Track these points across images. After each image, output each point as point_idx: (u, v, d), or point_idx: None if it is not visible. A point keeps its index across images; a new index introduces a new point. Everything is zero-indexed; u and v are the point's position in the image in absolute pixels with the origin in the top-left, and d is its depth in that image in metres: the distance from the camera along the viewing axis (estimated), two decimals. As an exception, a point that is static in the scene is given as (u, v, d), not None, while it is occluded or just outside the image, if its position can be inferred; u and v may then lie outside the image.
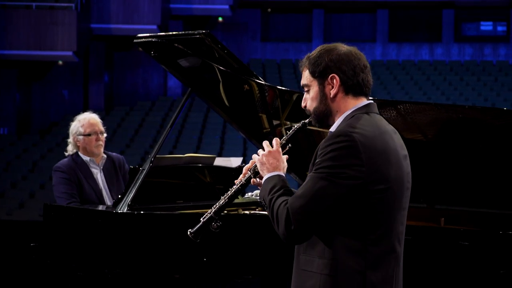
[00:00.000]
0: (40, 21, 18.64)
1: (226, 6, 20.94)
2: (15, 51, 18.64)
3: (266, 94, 4.46)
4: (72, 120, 5.08)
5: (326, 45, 2.71)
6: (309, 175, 2.54)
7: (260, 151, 2.74)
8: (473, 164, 4.07)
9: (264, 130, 4.70)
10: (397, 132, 2.69)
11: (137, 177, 4.20)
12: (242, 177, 2.82)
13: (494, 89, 19.79)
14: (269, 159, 2.70)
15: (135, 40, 4.31)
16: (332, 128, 2.65)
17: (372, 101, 2.67)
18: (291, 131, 2.84)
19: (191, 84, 4.49)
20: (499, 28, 23.75)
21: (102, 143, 4.95)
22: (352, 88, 2.64)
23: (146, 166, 4.22)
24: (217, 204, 2.82)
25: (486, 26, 23.83)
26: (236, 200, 4.76)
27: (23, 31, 18.58)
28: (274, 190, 2.60)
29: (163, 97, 21.44)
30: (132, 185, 4.18)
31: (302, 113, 4.41)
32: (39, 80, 21.20)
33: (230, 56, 4.19)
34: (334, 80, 2.63)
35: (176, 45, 4.19)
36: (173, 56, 4.36)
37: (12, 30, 18.55)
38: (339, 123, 2.63)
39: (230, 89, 4.56)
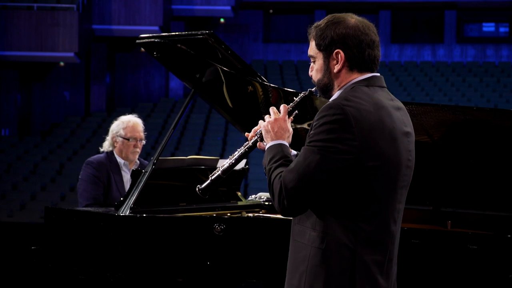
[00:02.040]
0: (41, 22, 18.63)
1: (228, 7, 20.92)
2: (16, 52, 18.62)
3: (270, 95, 4.41)
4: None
5: (334, 16, 2.67)
6: (303, 147, 2.51)
7: (266, 117, 2.71)
8: (480, 166, 4.02)
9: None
10: (402, 108, 2.63)
11: (139, 179, 4.15)
12: (249, 140, 2.81)
13: (496, 90, 19.76)
14: (274, 126, 2.66)
15: (137, 41, 4.26)
16: (331, 100, 2.60)
17: (377, 74, 2.61)
18: (298, 98, 2.82)
19: (194, 85, 4.45)
20: (502, 29, 23.72)
21: (139, 150, 4.91)
22: (357, 64, 2.59)
23: (149, 168, 4.18)
24: (225, 163, 2.83)
25: (488, 27, 23.80)
26: (240, 203, 4.74)
27: (24, 32, 18.57)
28: (274, 160, 2.58)
29: (164, 98, 21.41)
30: (135, 187, 4.13)
31: (307, 115, 4.39)
32: (40, 81, 21.17)
33: (233, 56, 4.15)
34: (339, 56, 2.58)
35: (179, 45, 4.14)
36: (175, 57, 4.32)
37: (13, 31, 18.53)
38: (337, 94, 2.59)
39: (233, 90, 4.51)
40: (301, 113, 4.40)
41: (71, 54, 18.79)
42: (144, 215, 3.98)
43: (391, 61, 22.78)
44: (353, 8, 23.05)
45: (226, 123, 17.95)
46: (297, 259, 2.53)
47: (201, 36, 4.01)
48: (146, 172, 4.17)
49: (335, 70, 2.59)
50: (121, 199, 4.19)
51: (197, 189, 2.85)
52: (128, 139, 4.87)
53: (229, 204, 4.63)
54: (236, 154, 2.83)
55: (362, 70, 2.59)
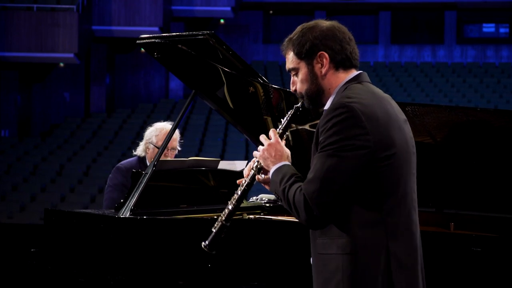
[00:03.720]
0: (41, 23, 18.62)
1: (228, 8, 20.91)
2: (16, 53, 18.62)
3: (271, 96, 4.39)
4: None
5: (306, 24, 2.63)
6: (316, 155, 2.48)
7: (260, 147, 2.67)
8: (483, 167, 4.00)
9: (269, 133, 4.63)
10: (392, 99, 2.64)
11: (140, 181, 4.12)
12: (246, 177, 2.72)
13: (496, 91, 19.76)
14: (271, 151, 2.62)
15: (138, 41, 4.23)
16: (327, 106, 2.58)
17: (362, 71, 2.61)
18: (285, 118, 2.77)
19: (195, 86, 4.42)
20: (502, 30, 23.72)
21: (170, 159, 4.79)
22: (341, 62, 2.58)
23: (149, 170, 4.15)
24: (226, 210, 2.71)
25: (489, 28, 23.80)
26: (241, 205, 4.71)
27: (24, 33, 18.56)
28: (285, 179, 2.54)
29: (164, 99, 21.41)
30: (135, 189, 4.11)
31: (308, 116, 4.37)
32: (40, 82, 21.16)
33: (234, 57, 4.12)
34: (324, 58, 2.57)
35: (180, 46, 4.12)
36: (176, 58, 4.29)
37: (13, 32, 18.52)
38: (333, 98, 2.57)
39: (234, 91, 4.49)
40: (302, 114, 4.40)
41: (71, 55, 18.78)
42: (145, 217, 3.95)
43: (391, 62, 22.76)
44: (353, 8, 23.04)
45: (226, 124, 17.94)
46: (327, 271, 2.47)
47: (202, 37, 3.99)
48: (147, 173, 4.14)
49: (322, 73, 2.58)
50: (121, 201, 4.16)
51: (202, 245, 2.74)
52: (158, 148, 4.77)
53: (230, 206, 4.60)
54: (235, 196, 2.72)
55: (347, 68, 2.59)
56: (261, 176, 2.68)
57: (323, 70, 2.57)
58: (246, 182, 2.71)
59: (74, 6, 18.88)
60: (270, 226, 3.92)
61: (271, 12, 23.97)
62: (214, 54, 4.12)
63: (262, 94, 4.39)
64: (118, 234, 3.94)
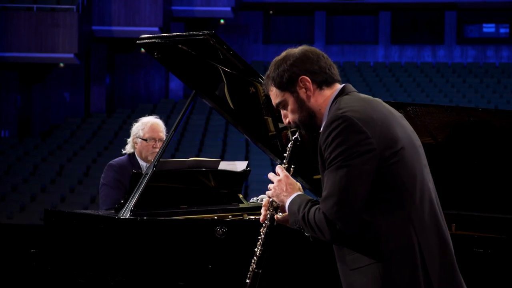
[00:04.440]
0: (41, 23, 18.60)
1: (228, 8, 20.89)
2: (16, 53, 18.60)
3: (272, 96, 4.37)
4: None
5: (277, 57, 2.67)
6: (325, 173, 2.49)
7: (270, 185, 2.69)
8: (484, 168, 3.98)
9: (270, 134, 4.61)
10: (382, 101, 2.68)
11: (140, 181, 4.11)
12: (264, 219, 2.75)
13: (497, 91, 19.75)
14: (282, 186, 2.65)
15: (138, 41, 4.21)
16: (323, 127, 2.58)
17: (346, 83, 2.64)
18: (287, 152, 2.78)
19: (195, 86, 4.40)
20: (502, 30, 23.71)
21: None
22: (323, 81, 2.61)
23: (149, 170, 4.13)
24: (254, 258, 2.75)
25: (489, 28, 23.79)
26: (241, 205, 4.70)
27: (24, 33, 18.54)
28: (302, 207, 2.55)
29: (164, 99, 21.39)
30: (135, 190, 4.09)
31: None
32: (40, 82, 21.14)
33: (235, 57, 4.10)
34: (305, 81, 2.59)
35: (180, 46, 4.10)
36: (176, 58, 4.28)
37: (13, 32, 18.51)
38: (325, 118, 2.59)
39: (235, 91, 4.47)
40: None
41: (71, 55, 18.77)
42: (145, 217, 3.93)
43: (391, 62, 22.75)
44: (353, 8, 23.03)
45: (226, 124, 17.93)
46: (365, 284, 2.46)
47: (202, 37, 3.97)
48: (147, 174, 4.13)
49: (309, 97, 2.61)
50: (122, 201, 4.14)
51: None
52: (146, 140, 4.83)
53: (231, 207, 4.59)
54: (260, 241, 2.75)
55: (329, 85, 2.62)
56: (279, 215, 2.72)
57: (309, 93, 2.60)
58: (266, 225, 2.74)
59: (74, 6, 18.87)
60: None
61: (271, 12, 23.95)
62: (214, 54, 4.11)
63: (262, 94, 4.37)
64: (118, 235, 3.92)
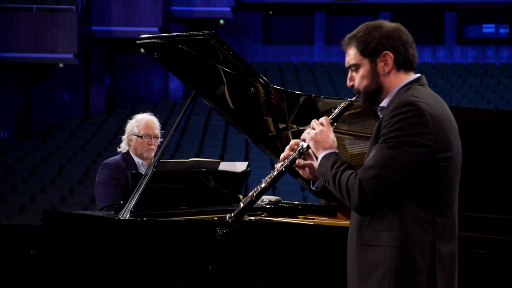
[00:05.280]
0: (40, 23, 18.59)
1: (228, 9, 20.88)
2: (15, 53, 18.58)
3: (272, 96, 4.36)
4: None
5: (371, 23, 2.72)
6: (376, 145, 2.55)
7: (310, 131, 2.73)
8: (486, 169, 3.97)
9: (270, 134, 4.60)
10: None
11: (140, 182, 4.09)
12: (284, 158, 2.82)
13: (497, 92, 19.74)
14: (324, 136, 2.70)
15: (138, 41, 4.20)
16: (384, 103, 2.66)
17: (422, 74, 2.70)
18: (337, 109, 2.84)
19: (195, 87, 4.39)
20: (502, 31, 23.71)
21: (154, 147, 4.85)
22: (403, 64, 2.66)
23: (149, 171, 4.12)
24: (258, 187, 2.80)
25: (489, 28, 23.78)
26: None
27: (24, 33, 18.52)
28: (337, 165, 2.61)
29: (164, 100, 21.37)
30: (135, 190, 4.07)
31: (309, 117, 4.33)
32: (39, 82, 21.13)
33: (235, 57, 4.09)
34: (388, 57, 2.64)
35: (180, 46, 4.09)
36: (176, 58, 4.26)
37: (12, 33, 18.49)
38: (391, 97, 2.65)
39: (235, 91, 4.46)
40: (304, 115, 4.37)
41: (71, 56, 18.75)
42: (145, 218, 3.92)
43: (391, 62, 22.71)
44: (353, 9, 23.02)
45: (226, 125, 17.91)
46: (373, 262, 2.55)
47: (202, 37, 3.96)
48: (147, 175, 4.11)
49: (384, 73, 2.66)
50: (121, 202, 4.13)
51: (227, 217, 2.84)
52: (141, 137, 4.82)
53: (231, 208, 4.57)
54: (271, 175, 2.80)
55: (407, 70, 2.68)
56: (301, 160, 2.78)
57: (386, 69, 2.65)
58: (285, 164, 2.80)
59: (74, 7, 18.85)
60: (271, 227, 3.88)
61: (270, 12, 23.93)
62: (214, 54, 4.09)
63: (262, 94, 4.36)
64: (118, 236, 3.91)
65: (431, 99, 2.59)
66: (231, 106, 4.55)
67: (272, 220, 4.28)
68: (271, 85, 4.30)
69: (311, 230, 3.86)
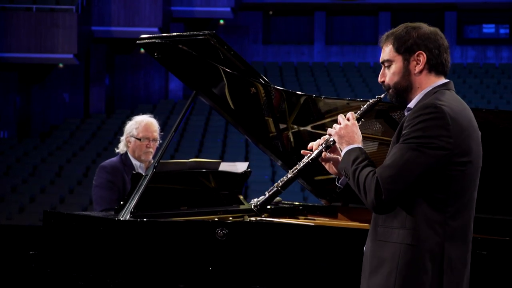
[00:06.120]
0: (40, 23, 18.57)
1: (228, 9, 20.86)
2: (15, 53, 18.56)
3: (273, 97, 4.35)
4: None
5: (410, 24, 2.78)
6: (396, 145, 2.60)
7: (336, 125, 2.79)
8: (487, 169, 3.94)
9: (270, 134, 4.59)
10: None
11: (140, 183, 4.08)
12: (311, 148, 2.90)
13: (497, 92, 19.72)
14: (349, 131, 2.76)
15: (138, 41, 4.18)
16: (411, 104, 2.72)
17: (450, 80, 2.76)
18: (365, 105, 2.91)
19: (196, 87, 4.37)
20: (502, 31, 23.69)
21: (152, 150, 4.83)
22: (435, 66, 2.73)
23: (149, 171, 4.10)
24: (285, 178, 2.90)
25: (489, 28, 23.77)
26: (242, 207, 4.67)
27: (24, 33, 18.51)
28: (358, 160, 2.67)
29: (164, 100, 21.35)
30: (135, 191, 4.06)
31: (310, 117, 4.32)
32: (39, 83, 21.11)
33: (236, 57, 4.08)
34: (421, 57, 2.71)
35: (180, 46, 4.07)
36: (177, 58, 4.25)
37: (12, 33, 18.48)
38: (419, 98, 2.70)
39: (235, 91, 4.44)
40: (305, 115, 4.36)
41: (70, 56, 18.73)
42: (145, 219, 3.90)
43: (391, 63, 22.69)
44: (353, 9, 23.01)
45: (226, 125, 17.89)
46: (383, 256, 2.61)
47: (202, 37, 3.95)
48: (147, 175, 4.10)
49: (415, 72, 2.72)
50: (121, 203, 4.11)
51: (252, 206, 2.95)
52: (140, 139, 4.80)
53: (231, 208, 4.56)
54: (297, 166, 2.90)
55: (438, 73, 2.75)
56: (328, 154, 2.86)
57: (418, 69, 2.72)
58: (312, 156, 2.90)
59: (74, 7, 18.83)
60: (272, 228, 3.87)
61: (270, 12, 23.92)
62: (215, 54, 4.08)
63: (263, 94, 4.35)
64: (118, 237, 3.89)
65: (455, 104, 2.63)
66: (232, 106, 4.54)
67: (272, 220, 4.26)
68: (271, 85, 4.28)
69: (311, 231, 3.85)
